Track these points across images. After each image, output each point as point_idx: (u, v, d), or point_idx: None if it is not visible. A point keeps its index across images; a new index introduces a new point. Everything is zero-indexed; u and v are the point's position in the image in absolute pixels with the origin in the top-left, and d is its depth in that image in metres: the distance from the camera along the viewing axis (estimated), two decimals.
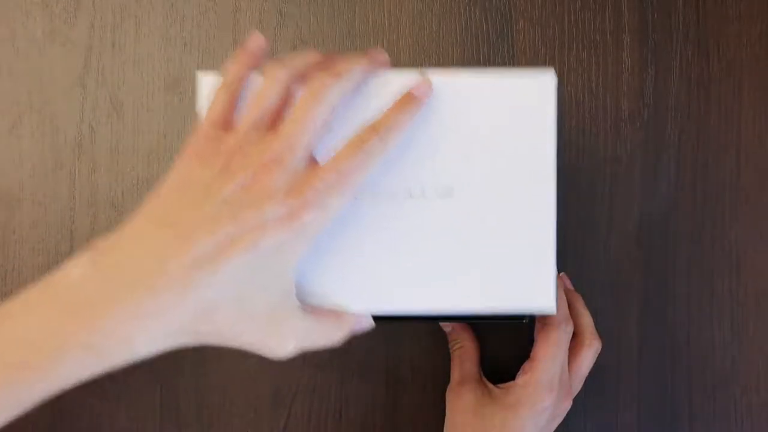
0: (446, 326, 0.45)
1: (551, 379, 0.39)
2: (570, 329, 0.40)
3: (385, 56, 0.33)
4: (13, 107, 0.45)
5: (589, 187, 0.45)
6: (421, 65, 0.45)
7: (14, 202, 0.45)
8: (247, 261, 0.29)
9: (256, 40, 0.33)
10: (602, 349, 0.43)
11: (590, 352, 0.42)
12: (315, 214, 0.29)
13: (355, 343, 0.45)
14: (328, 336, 0.33)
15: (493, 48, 0.45)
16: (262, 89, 0.31)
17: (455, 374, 0.43)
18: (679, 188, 0.46)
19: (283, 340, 0.31)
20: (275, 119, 0.31)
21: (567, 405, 0.40)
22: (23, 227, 0.45)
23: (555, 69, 0.45)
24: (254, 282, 0.29)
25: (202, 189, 0.29)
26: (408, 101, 0.31)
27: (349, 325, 0.33)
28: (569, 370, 0.41)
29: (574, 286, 0.45)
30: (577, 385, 0.42)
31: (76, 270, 0.29)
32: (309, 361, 0.45)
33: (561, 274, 0.45)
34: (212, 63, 0.45)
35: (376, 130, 0.31)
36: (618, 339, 0.45)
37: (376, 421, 0.45)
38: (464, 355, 0.43)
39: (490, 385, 0.42)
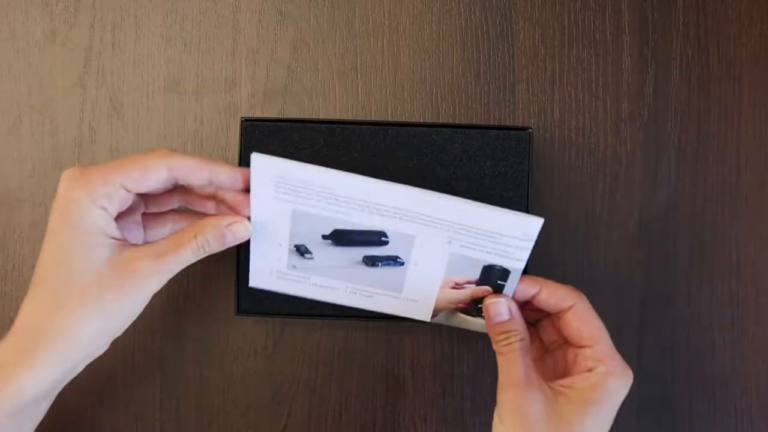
0: (501, 314, 0.38)
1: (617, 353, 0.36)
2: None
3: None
4: (13, 107, 0.45)
5: (589, 187, 0.45)
6: (421, 65, 0.45)
7: (14, 202, 0.45)
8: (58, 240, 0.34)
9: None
10: None
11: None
12: None
13: (356, 343, 0.45)
14: (180, 253, 0.35)
15: (493, 48, 0.45)
16: None
17: (518, 371, 0.36)
18: (679, 188, 0.46)
19: (141, 283, 0.34)
20: None
21: None
22: (23, 227, 0.45)
23: (555, 69, 0.45)
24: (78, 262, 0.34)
25: None
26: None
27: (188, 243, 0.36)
28: None
29: (574, 286, 0.45)
30: None
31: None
32: (309, 361, 0.45)
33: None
34: (212, 63, 0.45)
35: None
36: (618, 339, 0.45)
37: (376, 421, 0.45)
38: (525, 348, 0.37)
39: (554, 385, 0.36)
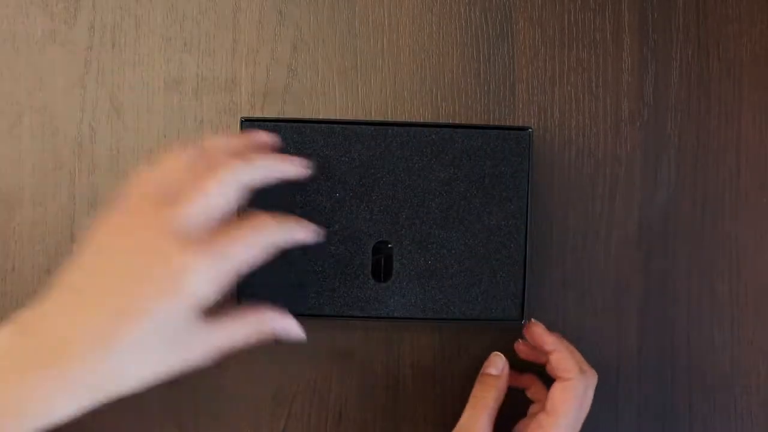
0: (496, 367, 0.41)
1: None
2: (591, 380, 0.39)
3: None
4: (13, 107, 0.45)
5: (589, 187, 0.45)
6: (421, 65, 0.45)
7: (14, 202, 0.45)
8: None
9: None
10: (602, 349, 0.43)
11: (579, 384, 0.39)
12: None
13: (356, 343, 0.45)
14: (237, 337, 0.35)
15: (493, 48, 0.45)
16: (163, 166, 0.34)
17: (476, 429, 0.38)
18: (679, 188, 0.46)
19: (193, 355, 0.33)
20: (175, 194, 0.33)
21: None
22: (23, 227, 0.45)
23: (555, 69, 0.46)
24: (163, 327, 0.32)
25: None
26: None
27: (255, 323, 0.36)
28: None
29: (574, 286, 0.45)
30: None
31: (2, 340, 0.31)
32: (309, 361, 0.45)
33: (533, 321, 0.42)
34: (212, 63, 0.45)
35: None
36: (618, 339, 0.45)
37: (376, 421, 0.45)
38: (493, 409, 0.39)
39: None
